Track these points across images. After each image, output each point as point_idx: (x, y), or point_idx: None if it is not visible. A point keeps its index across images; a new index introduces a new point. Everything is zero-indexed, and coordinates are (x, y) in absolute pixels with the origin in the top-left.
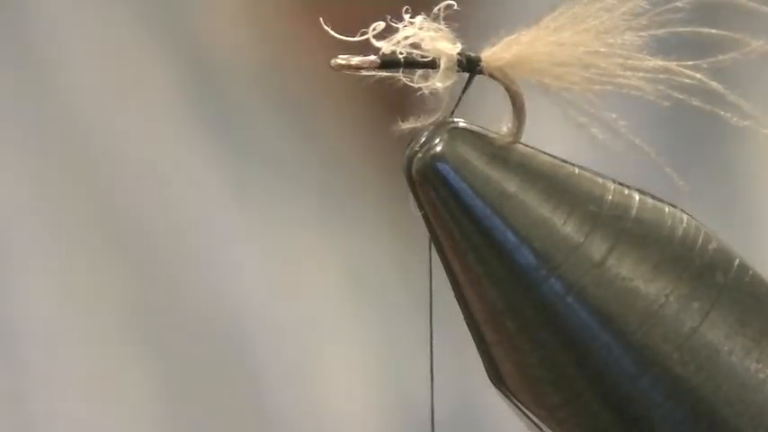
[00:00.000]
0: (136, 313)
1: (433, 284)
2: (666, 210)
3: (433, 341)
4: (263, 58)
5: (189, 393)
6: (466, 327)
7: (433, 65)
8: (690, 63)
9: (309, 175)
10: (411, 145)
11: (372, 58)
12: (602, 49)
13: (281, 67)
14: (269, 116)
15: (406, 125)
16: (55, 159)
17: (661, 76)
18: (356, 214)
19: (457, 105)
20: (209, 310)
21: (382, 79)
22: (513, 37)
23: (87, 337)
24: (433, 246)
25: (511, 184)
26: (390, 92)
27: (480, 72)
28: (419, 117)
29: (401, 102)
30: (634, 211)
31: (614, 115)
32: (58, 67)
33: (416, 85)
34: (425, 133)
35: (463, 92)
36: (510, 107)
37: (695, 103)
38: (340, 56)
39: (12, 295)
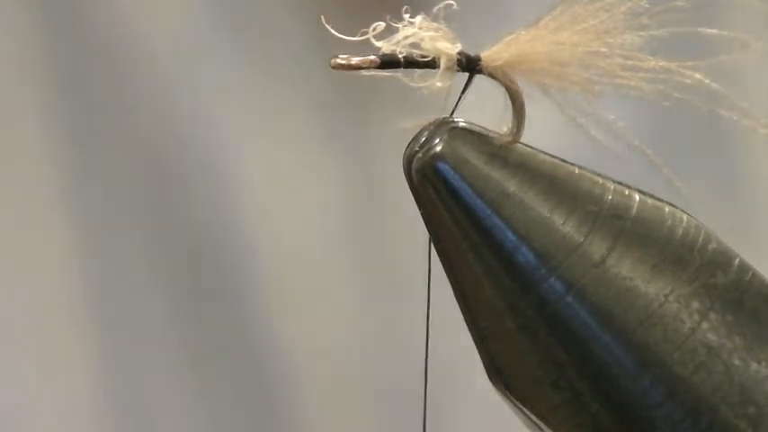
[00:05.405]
0: (146, 214)
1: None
2: (666, 209)
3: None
4: None
5: (191, 298)
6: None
7: (432, 65)
8: (690, 63)
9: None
10: (411, 144)
11: (372, 57)
12: (602, 49)
13: None
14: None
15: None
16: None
17: (661, 76)
18: (362, 131)
19: (457, 105)
20: (212, 219)
21: None
22: (512, 37)
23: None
24: (432, 245)
25: (511, 184)
26: None
27: (480, 72)
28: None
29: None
30: (634, 211)
31: (613, 116)
32: None
33: (416, 85)
34: (425, 133)
35: (463, 91)
36: (510, 107)
37: (696, 102)
38: (340, 55)
39: None
